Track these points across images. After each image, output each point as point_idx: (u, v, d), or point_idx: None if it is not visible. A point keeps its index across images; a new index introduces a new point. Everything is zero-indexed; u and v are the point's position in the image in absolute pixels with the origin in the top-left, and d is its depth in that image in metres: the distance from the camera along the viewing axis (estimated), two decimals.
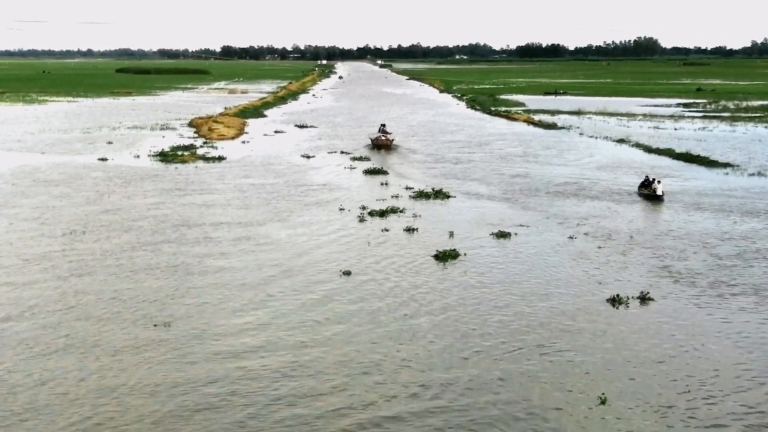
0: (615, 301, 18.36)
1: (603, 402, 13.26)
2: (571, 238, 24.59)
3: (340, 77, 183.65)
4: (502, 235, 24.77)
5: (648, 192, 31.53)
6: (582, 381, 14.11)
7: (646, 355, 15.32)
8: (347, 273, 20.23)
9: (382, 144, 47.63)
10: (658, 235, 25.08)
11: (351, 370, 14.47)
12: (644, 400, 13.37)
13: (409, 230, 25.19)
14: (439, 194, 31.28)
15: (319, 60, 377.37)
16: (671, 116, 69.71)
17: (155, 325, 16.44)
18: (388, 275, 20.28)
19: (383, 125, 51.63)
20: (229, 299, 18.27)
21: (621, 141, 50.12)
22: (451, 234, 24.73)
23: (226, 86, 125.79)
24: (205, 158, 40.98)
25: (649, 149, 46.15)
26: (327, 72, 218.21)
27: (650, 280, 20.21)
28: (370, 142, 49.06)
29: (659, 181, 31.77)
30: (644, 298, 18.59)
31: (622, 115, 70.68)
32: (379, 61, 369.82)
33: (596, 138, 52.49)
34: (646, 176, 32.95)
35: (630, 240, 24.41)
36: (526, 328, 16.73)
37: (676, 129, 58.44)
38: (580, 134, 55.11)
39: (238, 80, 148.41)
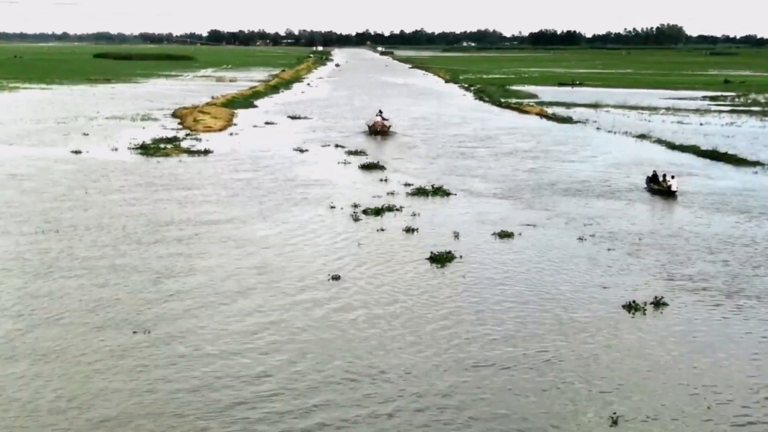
0: (631, 307, 18.63)
1: (615, 422, 13.36)
2: (580, 239, 24.91)
3: (337, 65, 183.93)
4: (505, 235, 25.10)
5: (660, 187, 31.99)
6: (592, 397, 14.29)
7: (665, 369, 15.55)
8: (336, 278, 20.49)
9: (378, 129, 49.88)
10: (671, 237, 25.40)
11: (337, 386, 14.68)
12: (661, 421, 13.45)
13: (407, 230, 25.46)
14: (439, 191, 31.65)
15: (314, 46, 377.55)
16: (696, 110, 70.05)
17: (135, 332, 16.70)
18: (380, 280, 20.54)
19: (380, 111, 53.79)
20: (208, 306, 18.49)
21: (641, 137, 50.50)
22: (452, 234, 25.00)
23: (213, 74, 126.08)
24: (190, 151, 41.26)
25: (672, 146, 46.50)
26: (323, 59, 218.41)
27: (665, 285, 20.50)
28: (366, 128, 51.16)
29: (673, 176, 32.24)
30: (658, 304, 18.87)
31: (643, 108, 71.03)
32: (379, 48, 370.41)
33: (614, 133, 52.85)
34: (654, 171, 33.44)
35: (641, 242, 24.72)
36: (530, 339, 16.96)
37: (701, 124, 58.76)
38: (597, 129, 55.48)
39: (227, 67, 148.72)
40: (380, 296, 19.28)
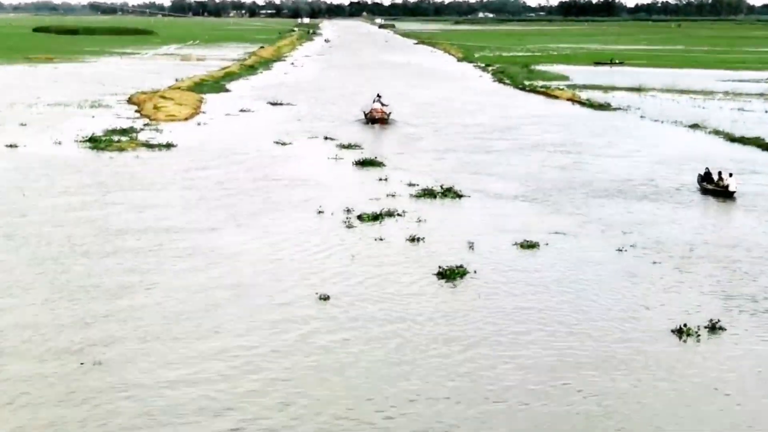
0: (682, 332, 18.75)
1: None
2: (619, 250, 25.04)
3: (327, 40, 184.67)
4: (529, 245, 25.24)
5: (715, 187, 32.17)
6: None
7: (724, 408, 15.61)
8: (325, 298, 20.58)
9: (376, 118, 51.02)
10: (729, 247, 25.57)
11: (322, 426, 14.76)
12: None
13: (411, 240, 25.59)
14: (449, 193, 31.85)
15: (299, 18, 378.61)
16: (761, 95, 70.36)
17: (82, 364, 16.74)
18: (378, 300, 20.62)
19: (379, 96, 54.42)
20: (169, 333, 18.51)
21: (694, 126, 50.78)
22: (465, 245, 25.14)
23: (177, 51, 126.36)
24: (149, 145, 41.42)
25: (731, 138, 46.80)
26: (310, 33, 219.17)
27: (721, 305, 20.60)
28: (363, 116, 52.09)
29: (731, 174, 32.38)
30: (714, 328, 18.98)
31: (696, 92, 71.25)
32: (378, 20, 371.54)
33: (662, 122, 53.24)
34: (707, 168, 33.60)
35: (692, 253, 24.88)
36: (557, 370, 17.02)
37: (767, 111, 58.91)
38: (641, 117, 55.95)
39: (194, 44, 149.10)
40: (377, 320, 19.35)
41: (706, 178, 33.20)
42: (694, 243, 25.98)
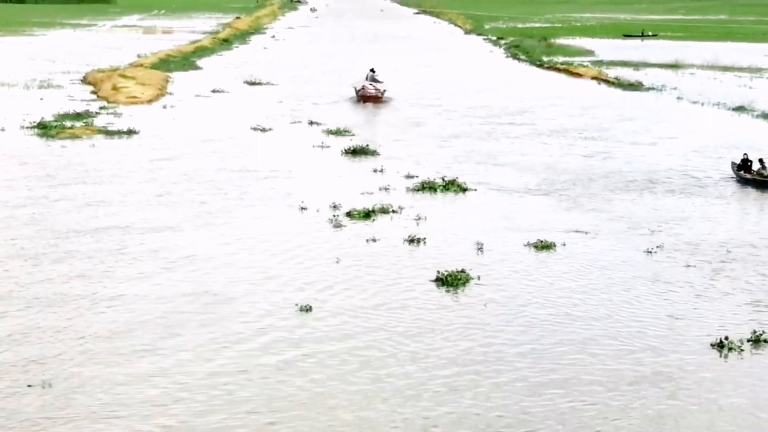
0: (722, 346, 18.87)
1: None
2: (647, 252, 25.15)
3: (313, 9, 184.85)
4: (544, 246, 25.34)
5: (755, 176, 32.41)
6: None
7: None
8: (306, 309, 20.64)
9: (370, 97, 51.78)
10: None
11: None
12: None
13: (410, 241, 25.69)
14: (452, 186, 31.97)
15: None
16: None
17: (30, 386, 16.80)
18: (368, 312, 20.66)
19: (372, 70, 55.19)
20: (125, 351, 18.46)
21: (739, 109, 51.02)
22: (471, 246, 25.27)
23: (139, 23, 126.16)
24: (107, 131, 41.46)
25: None
26: (294, 1, 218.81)
27: (765, 315, 20.74)
28: (353, 94, 53.00)
29: None
30: (758, 341, 19.11)
31: (741, 69, 71.42)
32: None
33: (702, 104, 53.53)
34: (745, 155, 33.65)
35: (729, 255, 24.99)
36: (578, 392, 17.07)
37: None
38: (678, 99, 56.22)
39: (158, 13, 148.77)
40: (365, 336, 19.36)
41: (743, 166, 33.26)
42: (731, 243, 26.08)
